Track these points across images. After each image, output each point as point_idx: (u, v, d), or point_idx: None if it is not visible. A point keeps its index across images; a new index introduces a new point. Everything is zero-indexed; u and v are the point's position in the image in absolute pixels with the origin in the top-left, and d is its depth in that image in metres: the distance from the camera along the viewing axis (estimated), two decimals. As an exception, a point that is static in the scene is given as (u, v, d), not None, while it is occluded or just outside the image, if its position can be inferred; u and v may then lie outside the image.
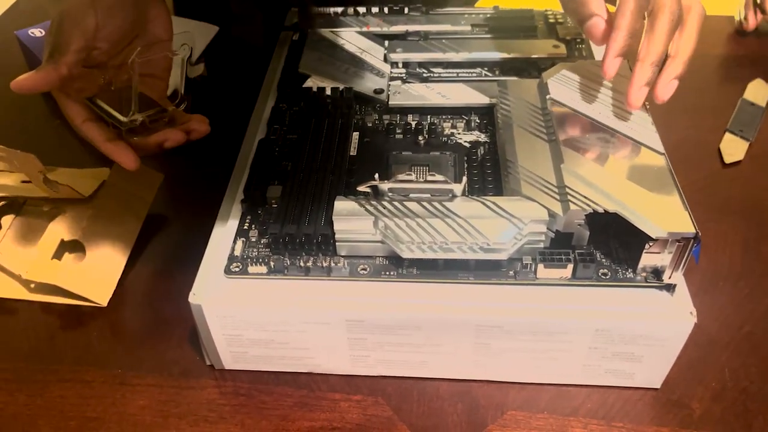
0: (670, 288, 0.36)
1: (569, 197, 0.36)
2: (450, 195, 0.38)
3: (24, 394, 0.40)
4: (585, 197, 0.36)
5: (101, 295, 0.45)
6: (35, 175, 0.46)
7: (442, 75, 0.51)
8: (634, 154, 0.39)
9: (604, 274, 0.37)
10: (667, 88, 0.39)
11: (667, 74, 0.39)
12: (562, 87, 0.43)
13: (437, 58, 0.51)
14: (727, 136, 0.56)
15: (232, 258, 0.39)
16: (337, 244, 0.38)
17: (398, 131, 0.46)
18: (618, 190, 0.36)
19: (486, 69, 0.51)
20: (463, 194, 0.39)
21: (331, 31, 0.54)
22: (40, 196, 0.49)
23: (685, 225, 0.34)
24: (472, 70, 0.51)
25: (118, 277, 0.46)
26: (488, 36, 0.54)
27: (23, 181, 0.49)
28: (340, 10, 0.57)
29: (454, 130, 0.46)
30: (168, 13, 0.45)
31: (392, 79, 0.50)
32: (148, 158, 0.52)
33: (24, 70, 0.64)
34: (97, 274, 0.45)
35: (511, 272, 0.37)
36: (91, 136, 0.41)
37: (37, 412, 0.39)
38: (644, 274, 0.37)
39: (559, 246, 0.37)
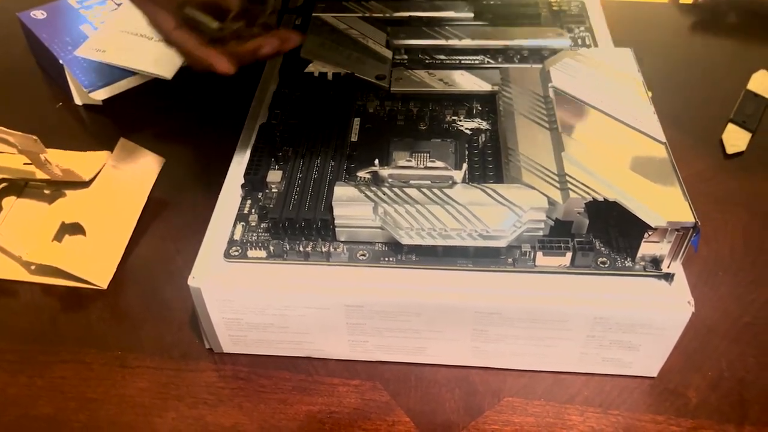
0: (669, 277, 0.36)
1: (569, 185, 0.36)
2: (450, 182, 0.38)
3: (25, 375, 0.41)
4: (585, 185, 0.36)
5: (101, 278, 0.45)
6: (37, 157, 0.46)
7: (444, 62, 0.50)
8: (636, 143, 0.39)
9: (603, 263, 0.37)
10: None
11: None
12: (565, 75, 0.43)
13: (440, 44, 0.51)
14: (730, 126, 0.56)
15: (231, 242, 0.39)
16: (336, 229, 0.38)
17: (400, 118, 0.46)
18: (618, 179, 0.36)
19: (488, 56, 0.51)
20: (464, 181, 0.39)
21: (334, 17, 0.54)
22: (42, 178, 0.49)
23: (685, 214, 0.34)
24: (474, 57, 0.51)
25: (119, 259, 0.46)
26: (491, 23, 0.53)
27: (25, 164, 0.49)
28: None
29: (455, 117, 0.46)
30: None
31: (394, 65, 0.50)
32: (149, 143, 0.52)
33: (26, 52, 0.65)
34: (97, 256, 0.45)
35: (510, 260, 0.37)
36: (183, 41, 0.40)
37: (38, 392, 0.40)
38: (643, 263, 0.37)
39: (559, 234, 0.37)
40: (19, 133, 0.44)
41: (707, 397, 0.39)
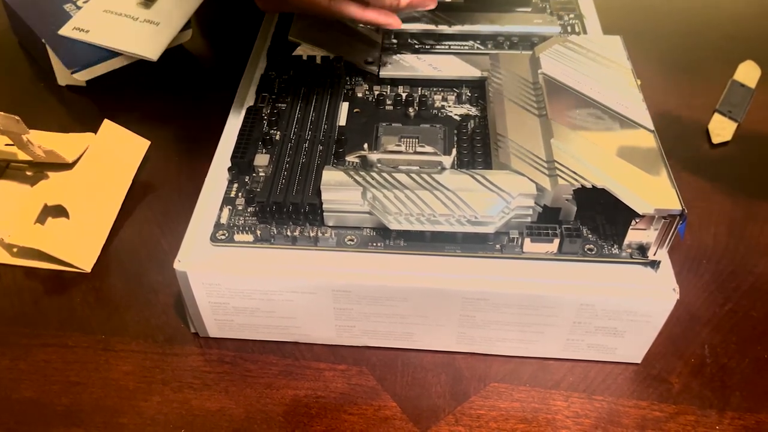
0: (655, 264, 0.37)
1: (558, 172, 0.36)
2: (439, 167, 0.38)
3: (7, 358, 0.40)
4: (574, 172, 0.36)
5: (85, 261, 0.44)
6: (19, 138, 0.45)
7: (434, 47, 0.50)
8: (624, 131, 0.39)
9: (590, 250, 0.37)
10: None
11: None
12: (554, 62, 0.43)
13: (430, 29, 0.50)
14: (716, 116, 0.56)
15: (218, 226, 0.38)
16: (324, 214, 0.38)
17: (388, 102, 0.46)
18: (607, 166, 0.36)
19: (478, 42, 0.50)
20: (453, 167, 0.39)
21: (323, 0, 0.53)
22: (24, 159, 0.48)
23: (672, 202, 0.34)
24: (464, 43, 0.50)
25: (103, 242, 0.46)
26: (481, 9, 0.53)
27: (6, 144, 0.48)
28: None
29: (444, 103, 0.46)
30: None
31: (384, 49, 0.50)
32: (134, 125, 0.52)
33: (8, 31, 0.64)
34: (80, 239, 0.45)
35: (498, 246, 0.37)
36: (346, 11, 0.43)
37: (20, 375, 0.39)
38: (629, 251, 0.37)
39: (547, 221, 0.37)
40: (1, 113, 0.43)
41: (689, 383, 0.39)
